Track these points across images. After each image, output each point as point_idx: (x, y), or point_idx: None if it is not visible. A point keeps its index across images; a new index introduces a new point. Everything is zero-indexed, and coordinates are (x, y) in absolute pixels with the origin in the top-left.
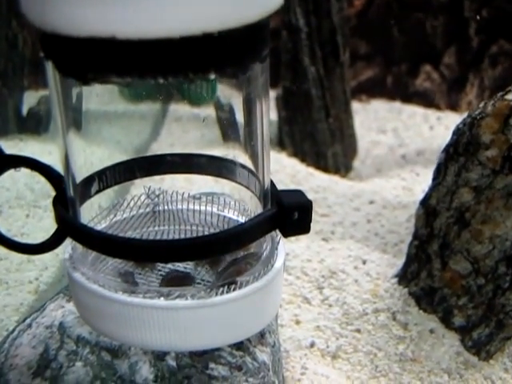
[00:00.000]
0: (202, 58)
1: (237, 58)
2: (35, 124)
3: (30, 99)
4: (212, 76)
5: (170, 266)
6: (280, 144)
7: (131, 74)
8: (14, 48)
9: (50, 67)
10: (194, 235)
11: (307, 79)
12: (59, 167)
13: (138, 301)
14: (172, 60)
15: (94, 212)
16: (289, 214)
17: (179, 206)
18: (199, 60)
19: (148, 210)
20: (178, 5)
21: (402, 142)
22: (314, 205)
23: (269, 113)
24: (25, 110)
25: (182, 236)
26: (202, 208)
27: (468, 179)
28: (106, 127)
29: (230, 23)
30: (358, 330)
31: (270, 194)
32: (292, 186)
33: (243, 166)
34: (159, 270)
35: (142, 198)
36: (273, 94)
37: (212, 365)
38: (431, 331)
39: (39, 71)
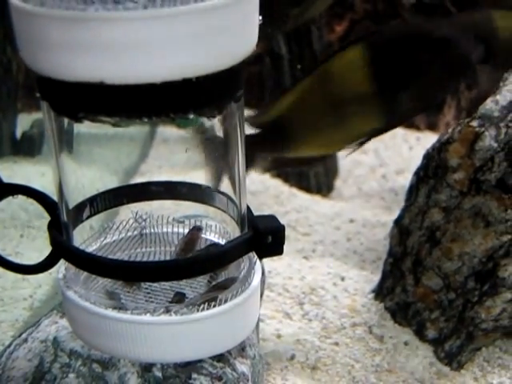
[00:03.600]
0: (182, 101)
1: (213, 100)
2: (28, 146)
3: (23, 122)
4: (191, 116)
5: (155, 284)
6: None
7: (118, 114)
8: (8, 72)
9: (45, 105)
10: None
11: None
12: (52, 188)
13: (127, 317)
14: (155, 102)
15: (85, 234)
16: (263, 237)
17: (165, 229)
18: (179, 102)
19: (135, 232)
20: (160, 54)
21: (382, 161)
22: (296, 224)
23: (244, 145)
24: (18, 133)
25: (168, 257)
26: (186, 231)
27: (438, 200)
28: (96, 151)
29: (207, 69)
30: (337, 343)
31: (247, 219)
32: (275, 207)
33: (222, 193)
34: (146, 289)
35: (130, 221)
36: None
37: (194, 375)
38: (406, 343)
39: (32, 95)
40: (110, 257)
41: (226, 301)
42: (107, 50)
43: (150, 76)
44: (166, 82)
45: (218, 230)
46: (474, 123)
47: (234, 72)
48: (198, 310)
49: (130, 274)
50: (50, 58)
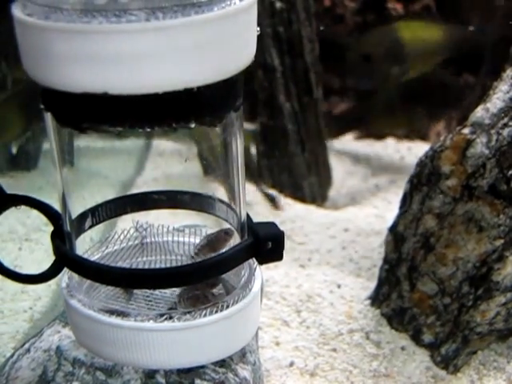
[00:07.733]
0: (184, 110)
1: (214, 109)
2: (24, 161)
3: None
4: (192, 125)
5: (157, 292)
6: (259, 176)
7: (122, 124)
8: (2, 88)
9: (48, 117)
10: (179, 265)
11: (283, 115)
12: (50, 201)
13: (129, 324)
14: (157, 112)
15: (87, 244)
16: (263, 243)
17: (165, 238)
18: (181, 112)
19: (136, 242)
20: (162, 65)
21: (374, 171)
22: (291, 233)
23: (243, 153)
24: (14, 148)
25: (168, 266)
26: (186, 239)
27: (431, 207)
28: (95, 163)
29: (208, 80)
30: (334, 350)
31: (247, 226)
32: (271, 216)
33: (221, 201)
34: (147, 296)
35: (131, 231)
36: (251, 128)
37: (197, 381)
38: (402, 348)
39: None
40: (112, 265)
41: (227, 307)
42: (110, 61)
43: (153, 86)
44: (168, 92)
45: None
46: (466, 131)
47: (234, 82)
48: (200, 316)
49: (132, 281)
50: (54, 69)
